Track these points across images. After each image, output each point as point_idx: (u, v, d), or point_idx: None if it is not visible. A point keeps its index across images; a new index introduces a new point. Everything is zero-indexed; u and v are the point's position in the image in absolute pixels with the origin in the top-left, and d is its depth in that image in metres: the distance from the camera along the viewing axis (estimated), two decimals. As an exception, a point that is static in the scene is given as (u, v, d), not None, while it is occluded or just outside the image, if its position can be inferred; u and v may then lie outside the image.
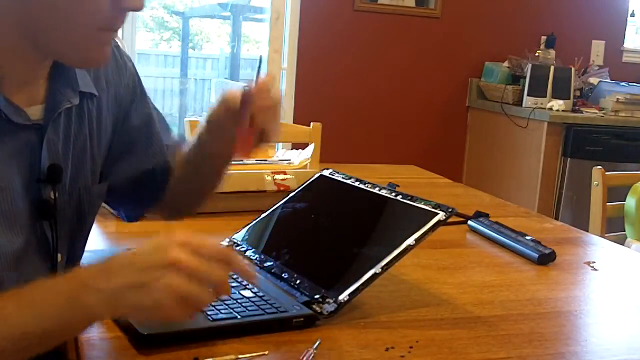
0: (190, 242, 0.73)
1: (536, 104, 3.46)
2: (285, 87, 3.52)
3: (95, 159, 0.97)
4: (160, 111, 1.10)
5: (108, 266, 0.72)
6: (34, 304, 0.70)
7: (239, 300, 0.93)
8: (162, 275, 0.70)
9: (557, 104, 3.41)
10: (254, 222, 1.23)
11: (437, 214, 1.00)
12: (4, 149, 0.80)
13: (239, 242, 1.18)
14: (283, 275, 1.03)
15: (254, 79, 0.94)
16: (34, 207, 0.84)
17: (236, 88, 0.97)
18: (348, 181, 1.20)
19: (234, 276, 1.03)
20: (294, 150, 1.76)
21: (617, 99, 3.51)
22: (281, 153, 1.80)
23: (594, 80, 3.80)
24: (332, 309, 0.93)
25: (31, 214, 0.84)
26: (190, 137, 1.10)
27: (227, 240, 1.20)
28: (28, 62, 0.83)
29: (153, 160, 1.06)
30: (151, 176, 1.05)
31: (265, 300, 0.93)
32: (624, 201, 1.99)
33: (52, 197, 0.86)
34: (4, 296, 0.71)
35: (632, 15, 4.27)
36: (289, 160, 1.66)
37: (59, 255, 0.89)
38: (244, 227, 1.23)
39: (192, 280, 0.70)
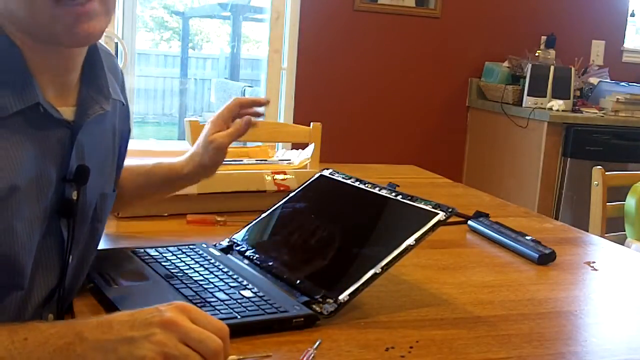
0: (190, 309, 0.73)
1: (536, 104, 3.46)
2: (285, 87, 3.52)
3: (113, 167, 1.01)
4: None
5: (108, 320, 0.73)
6: (26, 345, 0.70)
7: (239, 300, 0.93)
8: (154, 333, 0.70)
9: (557, 104, 3.41)
10: (254, 222, 1.23)
11: (437, 214, 1.00)
12: (45, 142, 0.83)
13: (239, 242, 1.18)
14: (283, 275, 1.03)
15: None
16: (57, 204, 0.86)
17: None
18: (348, 181, 1.20)
19: (234, 276, 1.03)
20: (294, 150, 1.76)
21: (617, 99, 3.51)
22: (281, 153, 1.80)
23: (594, 80, 3.80)
24: (332, 309, 0.93)
25: (52, 211, 0.86)
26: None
27: (227, 240, 1.20)
28: (56, 59, 0.84)
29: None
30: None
31: (265, 300, 0.93)
32: (624, 201, 1.99)
33: (75, 197, 0.88)
34: None
35: (632, 15, 4.27)
36: (289, 160, 1.66)
37: (70, 257, 0.90)
38: (244, 227, 1.23)
39: (183, 343, 0.70)
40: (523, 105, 3.48)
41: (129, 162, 1.14)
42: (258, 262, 1.10)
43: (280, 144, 2.63)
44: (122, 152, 1.06)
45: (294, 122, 3.26)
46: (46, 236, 0.86)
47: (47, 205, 0.84)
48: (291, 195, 1.25)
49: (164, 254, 1.11)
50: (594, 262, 1.32)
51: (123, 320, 0.72)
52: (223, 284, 1.00)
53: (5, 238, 0.79)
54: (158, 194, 1.25)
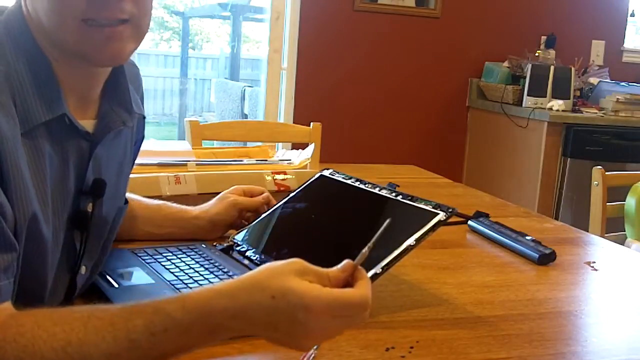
0: (325, 309, 0.69)
1: (536, 104, 3.46)
2: (285, 87, 3.52)
3: (127, 181, 1.00)
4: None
5: (242, 311, 0.69)
6: (167, 336, 0.68)
7: (239, 301, 0.93)
8: (304, 342, 0.71)
9: (557, 104, 3.41)
10: (254, 222, 1.23)
11: (438, 214, 1.00)
12: (66, 154, 0.84)
13: (239, 242, 1.18)
14: (283, 275, 1.03)
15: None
16: (72, 216, 0.86)
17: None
18: (348, 181, 1.20)
19: (234, 276, 1.03)
20: (294, 150, 1.75)
21: (617, 99, 3.51)
22: (281, 153, 1.80)
23: (594, 80, 3.80)
24: (333, 309, 0.92)
25: (66, 222, 0.86)
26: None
27: (227, 240, 1.20)
28: (73, 72, 0.84)
29: None
30: None
31: (265, 301, 0.93)
32: (624, 201, 1.99)
33: (90, 209, 0.88)
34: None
35: (632, 15, 4.27)
36: (289, 160, 1.66)
37: (84, 268, 0.90)
38: (244, 227, 1.23)
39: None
40: (523, 105, 3.48)
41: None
42: (258, 262, 1.10)
43: (280, 144, 2.63)
44: (133, 160, 1.07)
45: (294, 122, 3.26)
46: (59, 247, 0.86)
47: (67, 217, 0.85)
48: (291, 195, 1.25)
49: (164, 254, 1.11)
50: (594, 262, 1.32)
51: (263, 320, 0.69)
52: (223, 284, 0.99)
53: (38, 253, 0.80)
54: (161, 232, 1.22)
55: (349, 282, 0.72)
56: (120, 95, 0.91)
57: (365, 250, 0.73)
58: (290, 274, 0.70)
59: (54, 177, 0.82)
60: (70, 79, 0.84)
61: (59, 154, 0.82)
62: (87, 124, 0.87)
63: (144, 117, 1.04)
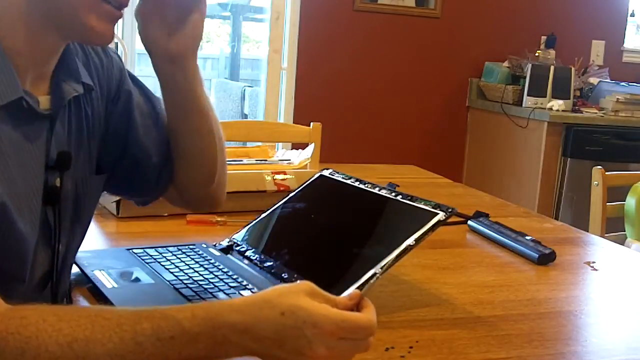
0: (334, 330, 0.70)
1: (536, 104, 3.46)
2: (285, 87, 3.52)
3: (91, 151, 0.97)
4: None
5: (251, 326, 0.69)
6: (173, 343, 0.68)
7: (239, 300, 0.93)
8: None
9: (557, 104, 3.41)
10: (254, 222, 1.23)
11: (437, 214, 1.00)
12: (28, 134, 0.83)
13: (239, 242, 1.18)
14: (283, 275, 1.03)
15: None
16: (42, 192, 0.85)
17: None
18: (348, 181, 1.20)
19: (234, 276, 1.03)
20: (294, 150, 1.76)
21: (617, 99, 3.51)
22: (281, 153, 1.80)
23: (594, 80, 3.80)
24: (332, 309, 0.92)
25: (37, 200, 0.85)
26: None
27: (227, 240, 1.20)
28: (45, 49, 0.84)
29: (143, 147, 1.03)
30: (147, 163, 1.04)
31: (265, 300, 0.93)
32: (624, 201, 1.99)
33: (58, 184, 0.87)
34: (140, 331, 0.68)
35: (632, 15, 4.27)
36: (289, 160, 1.66)
37: (59, 245, 0.90)
38: (244, 227, 1.23)
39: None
40: (523, 105, 3.48)
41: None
42: (258, 262, 1.10)
43: (280, 144, 2.63)
44: (134, 122, 1.02)
45: (294, 122, 3.26)
46: (35, 225, 0.85)
47: (40, 195, 0.84)
48: (291, 195, 1.25)
49: (164, 254, 1.11)
50: (594, 262, 1.32)
51: (270, 337, 0.69)
52: (223, 284, 1.00)
53: (16, 245, 0.80)
54: (184, 127, 1.05)
55: (354, 310, 0.73)
56: (68, 68, 0.90)
57: (372, 281, 0.75)
58: (300, 293, 0.71)
59: (22, 162, 0.81)
60: (30, 57, 0.82)
61: (21, 137, 0.81)
62: (44, 99, 0.86)
63: (93, 88, 0.95)
